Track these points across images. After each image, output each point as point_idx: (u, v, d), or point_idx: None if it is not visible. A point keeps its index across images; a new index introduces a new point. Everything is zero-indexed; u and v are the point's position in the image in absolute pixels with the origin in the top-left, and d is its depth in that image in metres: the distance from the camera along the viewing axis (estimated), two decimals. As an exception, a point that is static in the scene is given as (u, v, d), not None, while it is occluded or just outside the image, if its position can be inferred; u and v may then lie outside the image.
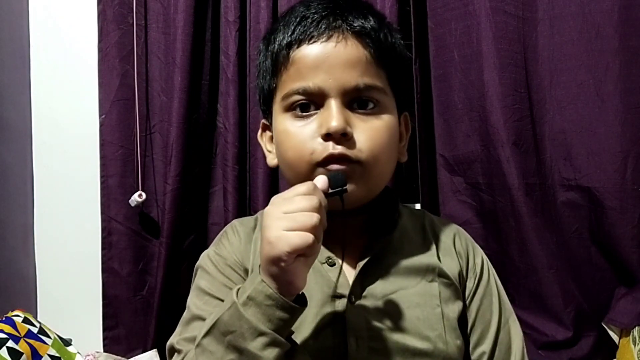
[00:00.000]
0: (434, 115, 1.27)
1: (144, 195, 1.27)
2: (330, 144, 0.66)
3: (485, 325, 0.74)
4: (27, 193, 1.36)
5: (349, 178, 0.66)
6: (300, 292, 0.60)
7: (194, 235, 1.31)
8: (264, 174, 1.26)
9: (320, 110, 0.68)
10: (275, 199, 0.60)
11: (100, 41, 1.30)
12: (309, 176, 0.67)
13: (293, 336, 0.61)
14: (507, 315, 0.76)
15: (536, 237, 1.16)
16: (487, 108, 1.18)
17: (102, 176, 1.30)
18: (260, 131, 0.81)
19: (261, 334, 0.56)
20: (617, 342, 1.14)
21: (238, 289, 0.60)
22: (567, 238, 1.18)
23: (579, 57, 1.15)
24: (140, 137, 1.29)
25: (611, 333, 1.15)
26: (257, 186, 1.26)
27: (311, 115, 0.69)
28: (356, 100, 0.68)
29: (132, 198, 1.27)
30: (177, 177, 1.25)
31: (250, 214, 1.28)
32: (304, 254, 0.56)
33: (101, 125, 1.30)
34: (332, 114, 0.66)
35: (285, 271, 0.56)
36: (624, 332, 1.12)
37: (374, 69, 0.69)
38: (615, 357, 1.13)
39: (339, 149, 0.66)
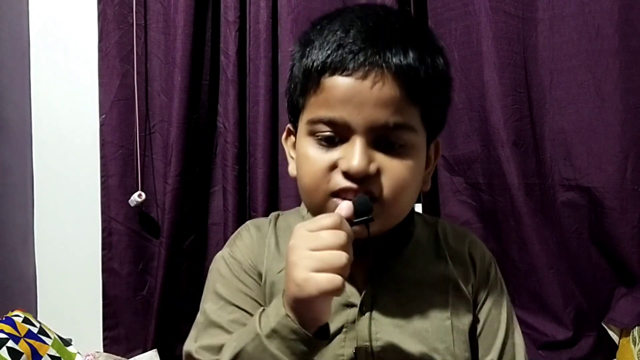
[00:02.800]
0: (434, 115, 1.27)
1: (143, 195, 1.27)
2: (349, 181, 0.64)
3: (493, 335, 0.74)
4: (27, 193, 1.36)
5: None
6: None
7: (194, 235, 1.31)
8: (263, 174, 1.26)
9: (345, 144, 0.65)
10: (299, 230, 0.58)
11: (100, 41, 1.30)
12: (323, 205, 0.66)
13: None
14: (513, 326, 0.76)
15: (536, 237, 1.16)
16: (487, 108, 1.18)
17: (102, 176, 1.30)
18: (285, 135, 0.79)
19: None
20: (617, 342, 1.14)
21: (260, 315, 0.60)
22: (567, 238, 1.18)
23: (579, 57, 1.15)
24: (140, 137, 1.29)
25: (611, 333, 1.15)
26: (257, 186, 1.26)
27: (335, 146, 0.66)
28: (383, 140, 0.66)
29: (132, 198, 1.27)
30: (177, 177, 1.25)
31: (250, 214, 1.29)
32: (331, 295, 0.55)
33: (101, 125, 1.30)
34: (355, 153, 0.63)
35: (308, 310, 0.56)
36: (624, 332, 1.12)
37: (407, 107, 0.66)
38: (615, 357, 1.13)
39: (359, 186, 0.64)
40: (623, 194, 1.12)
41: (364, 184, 0.64)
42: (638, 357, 1.04)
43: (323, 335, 0.59)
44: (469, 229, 1.23)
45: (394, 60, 0.64)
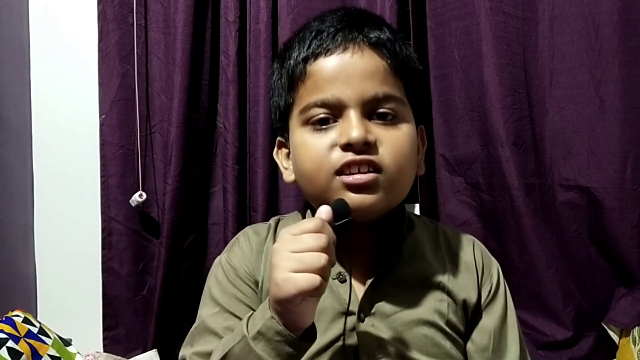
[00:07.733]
0: (434, 115, 1.27)
1: (144, 195, 1.27)
2: (350, 153, 0.66)
3: (503, 337, 0.74)
4: (27, 193, 1.36)
5: (372, 187, 0.65)
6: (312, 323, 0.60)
7: (194, 235, 1.31)
8: (263, 174, 1.26)
9: (339, 121, 0.67)
10: (283, 234, 0.59)
11: (100, 41, 1.30)
12: (328, 187, 0.67)
13: None
14: (519, 332, 0.77)
15: (536, 237, 1.16)
16: (487, 108, 1.18)
17: (102, 176, 1.30)
18: (275, 149, 0.80)
19: None
20: (617, 342, 1.14)
21: (248, 319, 0.61)
22: (567, 238, 1.18)
23: (579, 57, 1.15)
24: (140, 137, 1.29)
25: (611, 333, 1.15)
26: (257, 186, 1.26)
27: (330, 128, 0.68)
28: (375, 112, 0.68)
29: (133, 198, 1.27)
30: (177, 177, 1.25)
31: (250, 214, 1.29)
32: (311, 295, 0.56)
33: (101, 125, 1.30)
34: (352, 124, 0.65)
35: (290, 312, 0.57)
36: (624, 332, 1.12)
37: (392, 79, 0.69)
38: (615, 357, 1.13)
39: (361, 156, 0.65)
40: (623, 194, 1.12)
41: (365, 154, 0.66)
42: (638, 357, 1.04)
43: (309, 338, 0.60)
44: (469, 229, 1.23)
45: (371, 34, 0.69)
